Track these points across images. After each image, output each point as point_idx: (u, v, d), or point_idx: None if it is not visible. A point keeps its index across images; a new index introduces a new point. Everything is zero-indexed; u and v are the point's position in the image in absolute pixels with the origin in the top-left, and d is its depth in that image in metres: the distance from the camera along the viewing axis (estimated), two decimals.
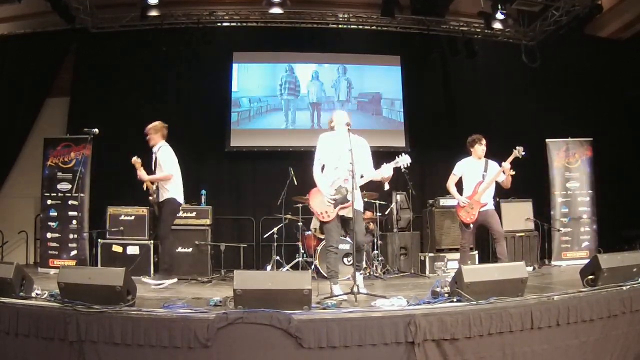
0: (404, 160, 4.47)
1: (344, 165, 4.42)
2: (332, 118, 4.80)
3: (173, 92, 8.83)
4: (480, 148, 5.56)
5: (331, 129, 4.75)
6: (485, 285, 3.73)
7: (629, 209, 8.42)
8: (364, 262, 6.48)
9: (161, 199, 5.59)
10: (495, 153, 5.78)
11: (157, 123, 5.73)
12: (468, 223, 5.46)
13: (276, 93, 8.94)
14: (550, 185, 7.98)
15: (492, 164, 5.58)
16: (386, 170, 4.47)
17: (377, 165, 4.65)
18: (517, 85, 9.08)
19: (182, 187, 5.66)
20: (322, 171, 4.66)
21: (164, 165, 5.53)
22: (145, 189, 5.63)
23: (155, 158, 5.63)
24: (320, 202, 4.59)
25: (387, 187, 4.77)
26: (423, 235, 7.53)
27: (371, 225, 7.26)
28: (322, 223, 4.73)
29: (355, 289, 4.19)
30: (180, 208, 5.73)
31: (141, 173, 5.53)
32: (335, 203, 4.49)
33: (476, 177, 5.53)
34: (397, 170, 4.63)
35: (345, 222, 4.62)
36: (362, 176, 4.55)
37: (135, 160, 5.54)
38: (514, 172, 5.34)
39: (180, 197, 5.59)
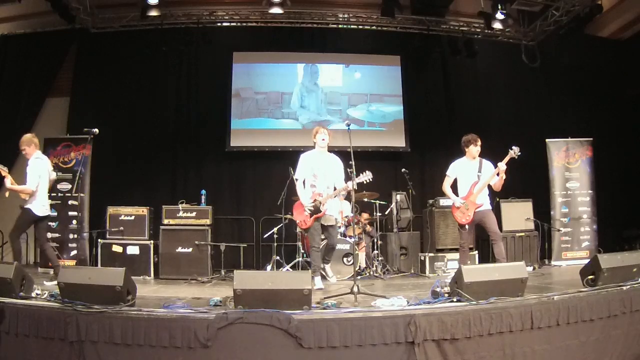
0: (367, 176, 5.25)
1: (319, 183, 5.40)
2: (313, 133, 5.55)
3: (173, 92, 8.84)
4: (475, 149, 5.50)
5: (313, 143, 5.53)
6: (485, 285, 3.74)
7: (629, 209, 8.43)
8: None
9: (25, 205, 5.52)
10: (496, 153, 5.77)
11: (26, 135, 5.68)
12: (463, 224, 5.43)
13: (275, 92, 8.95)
14: (550, 185, 7.96)
15: (487, 163, 5.53)
16: (351, 185, 4.98)
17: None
18: (517, 85, 9.08)
19: (43, 201, 5.52)
20: (304, 186, 5.50)
21: (28, 179, 5.48)
22: (7, 195, 5.59)
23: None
24: (299, 214, 5.48)
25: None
26: (423, 235, 7.51)
27: (369, 227, 7.25)
28: (304, 229, 5.58)
29: (355, 289, 4.21)
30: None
31: (6, 181, 5.50)
32: (311, 213, 5.35)
33: (471, 177, 5.47)
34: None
35: (324, 228, 5.49)
36: (335, 188, 5.43)
37: (0, 168, 5.53)
38: (505, 177, 5.29)
39: (37, 210, 5.43)
